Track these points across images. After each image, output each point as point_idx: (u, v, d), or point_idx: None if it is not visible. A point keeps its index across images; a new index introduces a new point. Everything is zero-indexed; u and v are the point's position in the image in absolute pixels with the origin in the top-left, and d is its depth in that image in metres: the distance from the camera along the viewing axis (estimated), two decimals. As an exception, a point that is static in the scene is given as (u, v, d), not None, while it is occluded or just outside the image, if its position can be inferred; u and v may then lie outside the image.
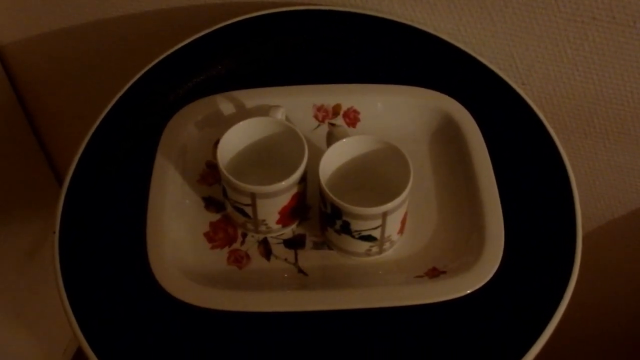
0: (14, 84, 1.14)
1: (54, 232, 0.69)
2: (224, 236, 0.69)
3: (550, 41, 0.82)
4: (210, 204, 0.71)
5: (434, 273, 0.66)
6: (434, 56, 0.82)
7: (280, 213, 0.66)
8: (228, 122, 0.72)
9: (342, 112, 0.76)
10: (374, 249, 0.66)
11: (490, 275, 0.64)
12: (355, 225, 0.63)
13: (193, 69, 0.80)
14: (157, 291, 0.64)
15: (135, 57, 1.00)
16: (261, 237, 0.69)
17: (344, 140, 0.66)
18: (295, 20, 0.85)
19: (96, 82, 1.09)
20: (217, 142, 0.74)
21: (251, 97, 0.76)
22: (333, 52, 0.82)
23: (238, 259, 0.67)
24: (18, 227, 1.25)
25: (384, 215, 0.62)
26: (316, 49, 0.82)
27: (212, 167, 0.74)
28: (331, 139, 0.68)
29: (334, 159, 0.66)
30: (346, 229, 0.63)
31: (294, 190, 0.65)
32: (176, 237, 0.68)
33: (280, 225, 0.68)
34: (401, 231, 0.67)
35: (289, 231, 0.69)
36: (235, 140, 0.67)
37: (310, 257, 0.68)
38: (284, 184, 0.63)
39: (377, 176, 0.68)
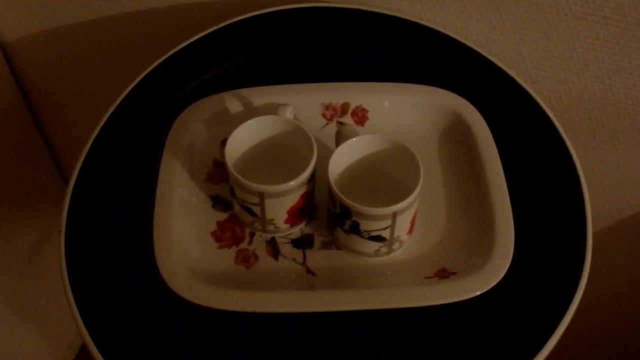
0: (19, 81, 1.14)
1: (60, 231, 0.69)
2: (231, 235, 0.68)
3: (561, 40, 0.81)
4: (218, 202, 0.71)
5: (444, 274, 0.65)
6: (442, 54, 0.81)
7: (288, 213, 0.65)
8: (235, 120, 0.71)
9: (350, 111, 0.76)
10: (383, 249, 0.65)
11: (501, 277, 0.63)
12: (365, 226, 0.62)
13: (200, 66, 0.80)
14: (164, 290, 0.63)
15: (142, 55, 0.99)
16: (269, 236, 0.68)
17: (354, 139, 0.65)
18: (304, 18, 0.85)
19: (101, 80, 1.09)
20: (224, 141, 0.74)
21: (259, 95, 0.75)
22: (341, 50, 0.81)
23: (245, 258, 0.67)
24: (23, 224, 1.25)
25: (394, 215, 0.61)
26: (324, 46, 0.82)
27: (219, 165, 0.73)
28: (340, 138, 0.67)
29: (343, 159, 0.65)
30: (355, 229, 0.63)
31: (303, 190, 0.64)
32: (183, 236, 0.67)
33: (288, 225, 0.67)
34: (410, 231, 0.66)
35: (297, 231, 0.69)
36: (243, 139, 0.67)
37: (318, 257, 0.67)
38: (292, 183, 0.63)
39: (386, 176, 0.67)
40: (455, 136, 0.75)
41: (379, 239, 0.64)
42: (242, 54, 0.81)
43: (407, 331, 0.62)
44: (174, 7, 0.94)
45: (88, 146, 0.74)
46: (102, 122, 0.75)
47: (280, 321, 0.63)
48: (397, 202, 0.61)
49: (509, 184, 0.69)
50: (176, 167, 0.71)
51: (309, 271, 0.66)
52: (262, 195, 0.63)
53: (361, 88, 0.76)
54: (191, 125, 0.74)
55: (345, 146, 0.65)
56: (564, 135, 0.75)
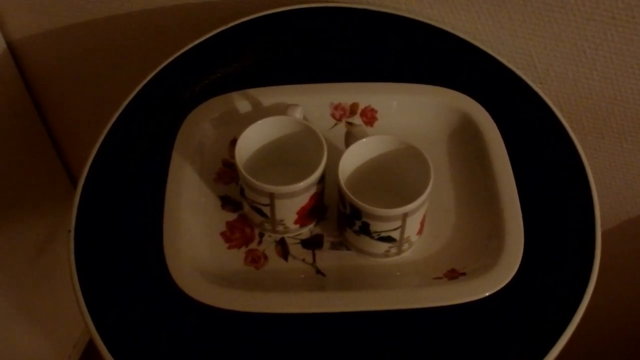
0: (26, 81, 1.14)
1: (70, 231, 0.69)
2: (241, 236, 0.69)
3: (569, 40, 0.81)
4: (227, 203, 0.71)
5: (453, 274, 0.65)
6: (451, 54, 0.81)
7: (298, 213, 0.65)
8: (244, 120, 0.72)
9: (359, 111, 0.75)
10: (393, 250, 0.65)
11: (510, 277, 0.63)
12: (375, 226, 0.62)
13: (209, 66, 0.80)
14: (173, 290, 0.63)
15: (151, 54, 0.99)
16: (278, 237, 0.68)
17: (364, 140, 0.65)
18: (312, 18, 0.85)
19: (109, 79, 1.09)
20: (233, 141, 0.74)
21: (267, 95, 0.75)
22: (350, 50, 0.81)
23: (255, 259, 0.67)
24: (29, 223, 1.25)
25: (404, 216, 0.61)
26: (333, 46, 0.82)
27: (228, 165, 0.73)
28: (350, 138, 0.67)
29: (353, 159, 0.65)
30: (365, 230, 0.63)
31: (313, 191, 0.64)
32: (193, 237, 0.67)
33: (298, 226, 0.67)
34: (420, 232, 0.66)
35: (306, 231, 0.69)
36: (253, 139, 0.67)
37: (327, 258, 0.67)
38: (303, 184, 0.63)
39: (396, 176, 0.67)
40: (464, 136, 0.75)
41: (389, 239, 0.64)
42: (250, 54, 0.81)
43: (416, 332, 0.62)
44: (182, 6, 0.93)
45: (97, 146, 0.74)
46: (111, 122, 0.75)
47: (290, 322, 0.63)
48: (407, 202, 0.61)
49: (517, 184, 0.69)
50: (185, 167, 0.71)
51: (318, 272, 0.66)
52: (272, 196, 0.63)
53: (370, 88, 0.76)
54: (200, 125, 0.74)
55: (355, 147, 0.65)
56: (572, 135, 0.75)
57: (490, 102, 0.76)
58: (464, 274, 0.65)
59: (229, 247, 0.68)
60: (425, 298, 0.63)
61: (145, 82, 0.78)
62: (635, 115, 0.86)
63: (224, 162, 0.73)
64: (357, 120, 0.76)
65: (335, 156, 0.65)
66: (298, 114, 0.68)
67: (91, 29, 1.01)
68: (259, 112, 0.74)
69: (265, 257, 0.67)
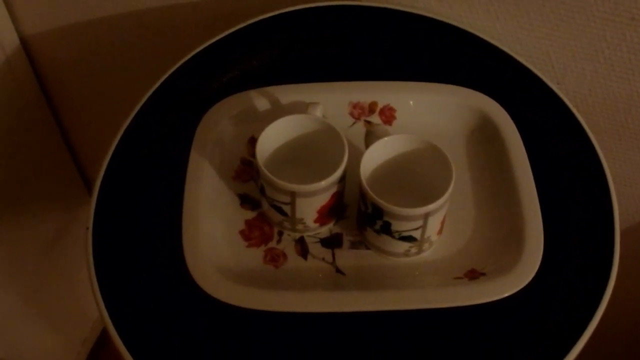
0: (39, 78, 1.14)
1: (87, 228, 0.69)
2: (260, 234, 0.68)
3: (588, 41, 0.81)
4: (246, 201, 0.70)
5: (473, 274, 0.65)
6: (469, 54, 0.81)
7: (318, 212, 0.65)
8: (262, 117, 0.72)
9: (378, 110, 0.75)
10: (413, 250, 0.65)
11: (531, 277, 0.63)
12: (396, 226, 0.62)
13: (226, 64, 0.80)
14: (192, 288, 0.63)
15: (169, 52, 0.99)
16: (297, 235, 0.68)
17: (385, 139, 0.65)
18: (331, 16, 0.84)
19: (125, 77, 1.08)
20: (251, 138, 0.73)
21: (286, 93, 0.75)
22: (368, 49, 0.81)
23: (274, 257, 0.67)
24: (40, 220, 1.25)
25: (426, 216, 0.61)
26: (351, 45, 0.82)
27: (246, 163, 0.73)
28: (371, 137, 0.67)
29: (374, 158, 0.65)
30: (387, 229, 0.63)
31: (334, 190, 0.64)
32: (211, 235, 0.67)
33: (317, 224, 0.67)
34: (440, 232, 0.66)
35: (325, 230, 0.69)
36: (273, 137, 0.66)
37: (347, 257, 0.67)
38: (324, 183, 0.63)
39: (417, 176, 0.67)
40: (482, 135, 0.75)
41: (409, 239, 0.63)
42: (268, 51, 0.81)
43: (436, 331, 0.62)
44: (200, 3, 0.93)
45: (115, 143, 0.73)
46: (129, 120, 0.75)
47: (310, 321, 0.63)
48: (428, 202, 0.61)
49: (536, 183, 0.69)
50: (204, 164, 0.70)
51: (338, 270, 0.66)
52: (293, 195, 0.63)
53: (389, 87, 0.76)
54: (219, 122, 0.74)
55: (376, 146, 0.65)
56: (591, 135, 0.75)
57: (509, 101, 0.75)
58: (484, 274, 0.65)
59: (248, 246, 0.68)
60: (446, 298, 0.62)
61: (163, 79, 0.78)
62: (652, 117, 0.86)
63: (243, 160, 0.73)
64: (375, 119, 0.75)
65: (354, 155, 0.64)
66: (319, 112, 0.68)
67: (106, 25, 1.01)
68: (277, 110, 0.74)
69: (285, 256, 0.67)
